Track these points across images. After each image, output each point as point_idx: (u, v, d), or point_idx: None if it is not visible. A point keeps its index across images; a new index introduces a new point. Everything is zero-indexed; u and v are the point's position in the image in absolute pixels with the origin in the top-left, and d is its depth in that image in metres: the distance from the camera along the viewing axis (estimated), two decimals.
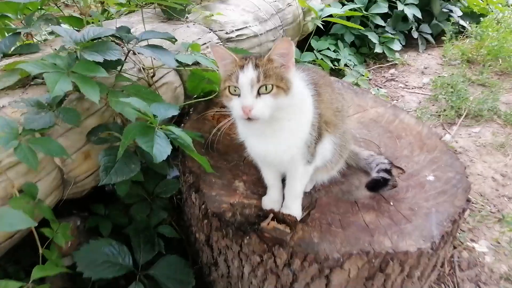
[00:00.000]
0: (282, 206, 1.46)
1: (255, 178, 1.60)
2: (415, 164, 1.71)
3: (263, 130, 1.24)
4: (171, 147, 1.34)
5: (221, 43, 2.27)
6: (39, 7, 1.92)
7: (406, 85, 3.21)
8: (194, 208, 1.59)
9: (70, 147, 1.56)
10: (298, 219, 1.41)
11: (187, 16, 2.37)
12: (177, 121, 1.98)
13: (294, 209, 1.44)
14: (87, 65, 1.42)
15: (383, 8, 3.38)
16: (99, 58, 1.44)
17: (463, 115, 2.77)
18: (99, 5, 2.40)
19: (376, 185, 1.51)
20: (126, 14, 2.46)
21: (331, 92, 1.42)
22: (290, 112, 1.21)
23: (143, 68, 1.87)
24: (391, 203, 1.53)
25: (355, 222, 1.43)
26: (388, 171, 1.55)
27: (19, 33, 1.77)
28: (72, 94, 1.63)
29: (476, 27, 3.68)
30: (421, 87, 3.18)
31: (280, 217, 1.37)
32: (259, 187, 1.57)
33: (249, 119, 1.13)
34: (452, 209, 1.49)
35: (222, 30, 2.34)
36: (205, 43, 2.19)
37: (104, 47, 1.51)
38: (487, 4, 4.10)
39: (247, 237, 1.35)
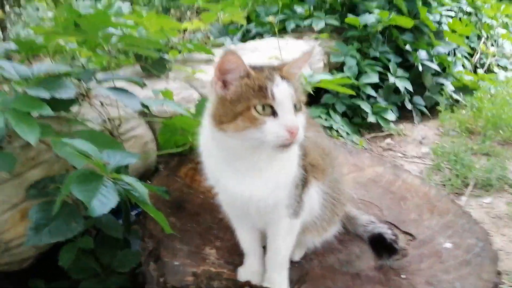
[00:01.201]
0: (264, 279, 1.14)
1: (232, 245, 1.29)
2: (426, 229, 1.41)
3: (255, 163, 0.95)
4: (117, 200, 1.06)
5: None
6: None
7: (404, 155, 3.01)
8: (153, 282, 1.24)
9: (3, 202, 1.28)
10: None
11: (167, 73, 2.23)
12: (145, 180, 1.70)
13: (279, 282, 1.12)
14: (28, 101, 1.20)
15: (374, 78, 3.31)
16: (45, 95, 1.23)
17: (472, 185, 2.52)
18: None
19: (381, 243, 1.20)
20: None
21: (315, 131, 1.17)
22: None
23: (108, 119, 1.65)
24: (403, 276, 1.20)
25: None
26: (394, 241, 1.25)
27: None
28: (17, 141, 1.38)
29: (470, 99, 3.61)
30: (421, 157, 2.97)
31: None
32: (236, 256, 1.26)
33: (286, 145, 0.87)
34: (480, 283, 1.16)
35: (204, 87, 2.18)
36: (183, 98, 2.01)
37: (55, 84, 1.30)
38: (478, 81, 4.09)
39: None
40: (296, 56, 0.95)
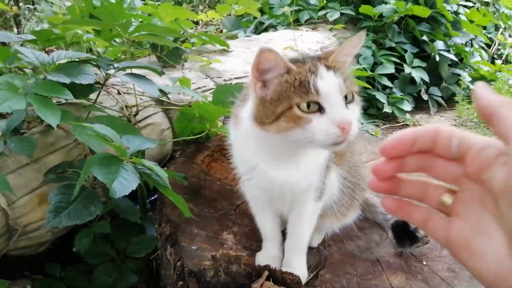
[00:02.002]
0: (282, 264, 1.13)
1: (249, 230, 1.28)
2: None
3: (295, 154, 0.93)
4: (138, 183, 1.06)
5: None
6: None
7: None
8: (170, 267, 1.24)
9: (23, 186, 1.28)
10: (303, 280, 1.06)
11: (183, 64, 2.22)
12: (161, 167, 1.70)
13: (298, 266, 1.10)
14: (49, 86, 1.20)
15: (389, 69, 3.27)
16: (65, 80, 1.23)
17: None
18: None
19: (404, 231, 1.18)
20: None
21: None
22: None
23: (125, 106, 1.65)
24: (424, 263, 1.18)
25: (379, 286, 1.08)
26: (416, 229, 1.22)
27: None
28: (36, 126, 1.39)
29: None
30: None
31: (278, 277, 1.02)
32: (253, 241, 1.24)
33: (338, 143, 0.78)
34: None
35: (220, 77, 2.17)
36: (199, 88, 2.01)
37: (75, 70, 1.30)
38: (495, 71, 4.01)
39: None
40: (343, 43, 0.87)
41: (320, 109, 0.77)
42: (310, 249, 1.20)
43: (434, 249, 1.24)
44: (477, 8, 4.42)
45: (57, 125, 1.17)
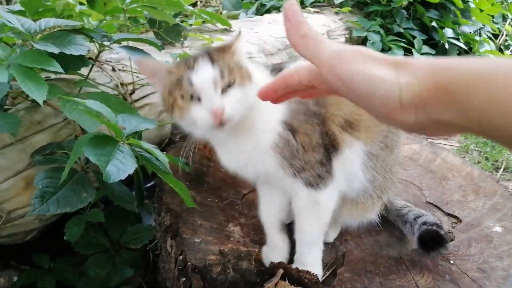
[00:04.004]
0: (294, 260, 1.01)
1: (257, 222, 1.16)
2: (473, 211, 1.27)
3: (225, 137, 0.93)
4: (135, 167, 0.93)
5: None
6: None
7: (430, 137, 2.85)
8: (170, 261, 1.12)
9: (6, 168, 1.15)
10: (319, 278, 0.95)
11: (182, 41, 2.07)
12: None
13: (310, 262, 0.99)
14: (35, 56, 1.06)
15: (398, 54, 3.11)
16: (54, 50, 1.08)
17: (502, 168, 2.37)
18: None
19: (432, 239, 1.05)
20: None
21: None
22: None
23: (121, 84, 1.51)
24: (451, 261, 1.06)
25: (405, 287, 0.96)
26: (439, 226, 1.09)
27: None
28: (22, 103, 1.25)
29: None
30: (447, 138, 2.81)
31: (294, 275, 0.90)
32: (262, 234, 1.13)
33: (217, 127, 0.84)
34: None
35: None
36: None
37: (65, 39, 1.16)
38: None
39: None
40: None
41: (199, 99, 0.85)
42: (326, 244, 1.08)
43: (460, 246, 1.13)
44: None
45: (45, 101, 1.04)
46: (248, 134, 0.91)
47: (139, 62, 0.95)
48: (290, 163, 0.91)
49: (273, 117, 0.91)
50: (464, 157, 2.55)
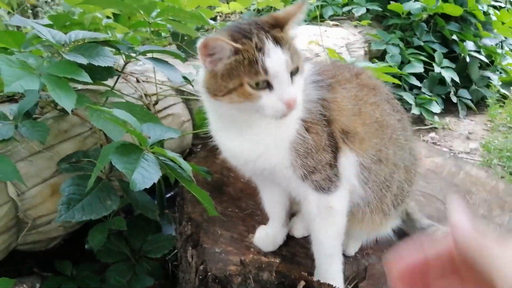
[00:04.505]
0: (315, 271, 1.01)
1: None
2: (499, 226, 1.24)
3: (247, 126, 0.89)
4: (160, 175, 0.94)
5: None
6: None
7: (451, 150, 2.80)
8: (190, 271, 1.12)
9: (34, 176, 1.18)
10: None
11: None
12: None
13: (332, 275, 0.98)
14: (65, 66, 1.10)
15: (418, 68, 3.11)
16: (83, 60, 1.12)
17: None
18: None
19: None
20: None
21: (359, 92, 1.00)
22: None
23: (145, 95, 1.55)
24: None
25: None
26: None
27: None
28: (50, 112, 1.29)
29: None
30: (469, 153, 2.76)
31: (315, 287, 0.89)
32: (282, 246, 1.12)
33: (284, 116, 0.82)
34: None
35: None
36: None
37: (93, 51, 1.20)
38: None
39: None
40: (290, 8, 0.86)
41: (269, 86, 0.80)
42: (346, 257, 1.07)
43: None
44: (507, 9, 4.23)
45: (72, 110, 1.07)
46: (271, 126, 0.88)
47: (208, 40, 0.78)
48: (303, 162, 0.91)
49: (294, 113, 0.89)
50: (486, 171, 2.49)
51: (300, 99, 0.83)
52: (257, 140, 0.91)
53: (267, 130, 0.89)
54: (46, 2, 4.93)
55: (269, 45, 0.78)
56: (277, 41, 0.79)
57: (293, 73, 0.81)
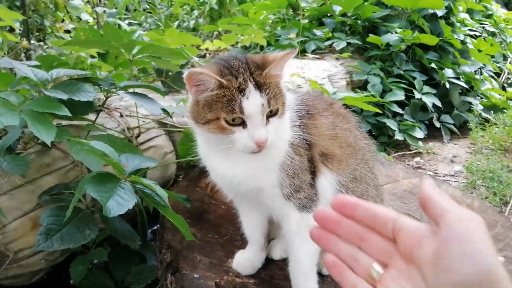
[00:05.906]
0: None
1: None
2: None
3: (232, 152, 0.92)
4: (135, 202, 0.97)
5: None
6: None
7: (435, 173, 2.84)
8: None
9: (15, 209, 1.21)
10: None
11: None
12: None
13: None
14: (45, 102, 1.15)
15: (400, 95, 3.20)
16: (63, 96, 1.18)
17: (511, 203, 2.33)
18: None
19: None
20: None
21: (335, 119, 1.09)
22: None
23: (127, 128, 1.60)
24: None
25: None
26: None
27: None
28: (33, 147, 1.33)
29: (503, 116, 3.45)
30: (453, 175, 2.80)
31: None
32: (261, 270, 1.14)
33: (254, 152, 0.88)
34: None
35: None
36: None
37: (74, 87, 1.25)
38: (507, 99, 3.94)
39: None
40: (279, 54, 0.90)
41: (244, 123, 0.86)
42: (322, 276, 1.09)
43: None
44: (484, 38, 4.41)
45: (54, 145, 1.11)
46: (265, 150, 0.92)
47: (193, 72, 0.84)
48: (291, 181, 0.96)
49: (285, 137, 0.96)
50: (472, 192, 2.53)
51: (273, 138, 0.88)
52: (249, 163, 0.95)
53: (264, 153, 0.92)
54: (39, 45, 5.07)
55: (250, 88, 0.85)
56: (259, 85, 0.86)
57: (271, 115, 0.88)
